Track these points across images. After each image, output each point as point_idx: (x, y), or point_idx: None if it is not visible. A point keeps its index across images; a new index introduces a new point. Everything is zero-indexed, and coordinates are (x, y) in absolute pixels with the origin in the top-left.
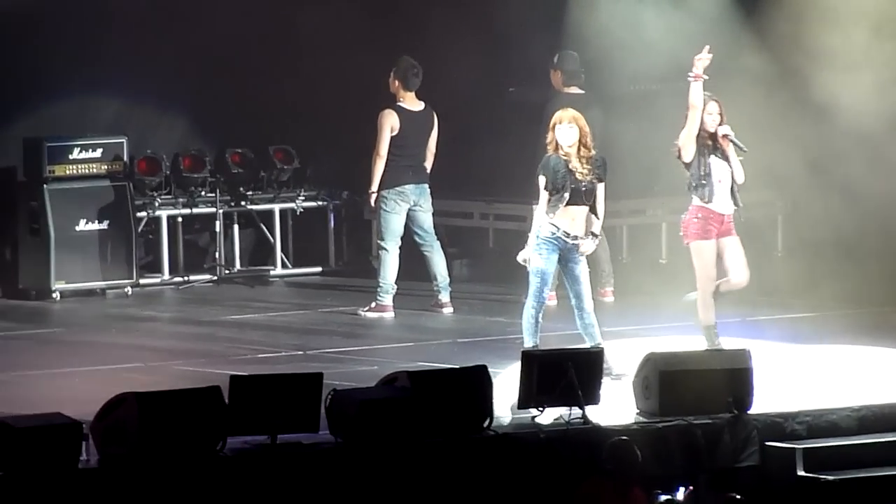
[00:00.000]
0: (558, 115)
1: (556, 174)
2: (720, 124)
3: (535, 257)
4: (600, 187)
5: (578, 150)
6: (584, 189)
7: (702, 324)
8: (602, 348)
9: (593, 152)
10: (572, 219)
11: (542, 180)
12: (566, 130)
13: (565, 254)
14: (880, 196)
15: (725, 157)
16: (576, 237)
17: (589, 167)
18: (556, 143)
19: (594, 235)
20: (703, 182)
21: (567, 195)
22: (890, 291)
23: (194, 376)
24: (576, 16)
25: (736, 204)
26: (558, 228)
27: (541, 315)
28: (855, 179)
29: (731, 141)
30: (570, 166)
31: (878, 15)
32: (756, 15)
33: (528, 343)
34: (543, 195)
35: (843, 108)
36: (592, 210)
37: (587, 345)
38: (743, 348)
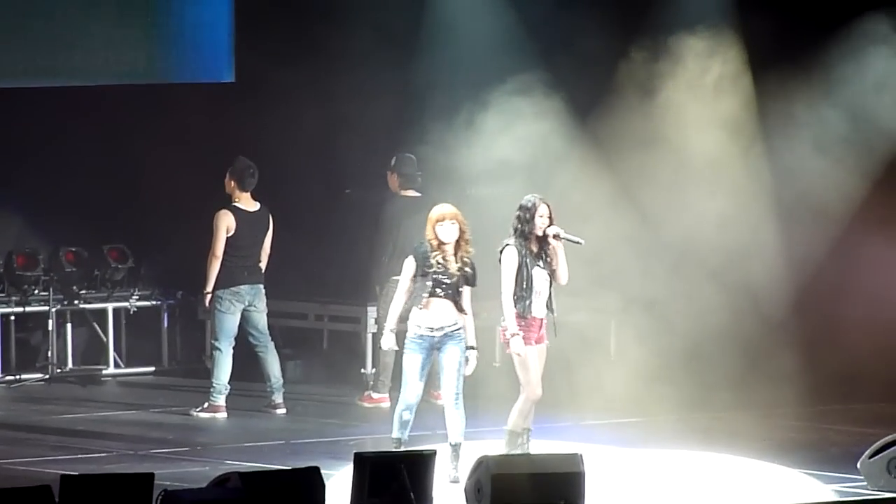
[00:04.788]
0: (440, 212)
1: (425, 259)
2: (549, 226)
3: (405, 354)
4: (467, 290)
5: (457, 246)
6: (446, 282)
7: (509, 427)
8: (434, 451)
9: (471, 250)
10: (434, 311)
11: (410, 263)
12: (448, 228)
13: (436, 345)
14: (715, 300)
15: (549, 263)
16: (441, 328)
17: (459, 265)
18: (437, 240)
19: (473, 348)
20: (525, 295)
21: (430, 283)
22: (722, 396)
23: (24, 475)
24: (415, 117)
25: (550, 309)
26: (420, 326)
27: (406, 411)
28: (690, 284)
29: (564, 238)
30: (442, 258)
31: (727, 119)
32: (593, 115)
33: (394, 436)
34: (405, 281)
35: (679, 212)
36: (460, 310)
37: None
38: (575, 452)
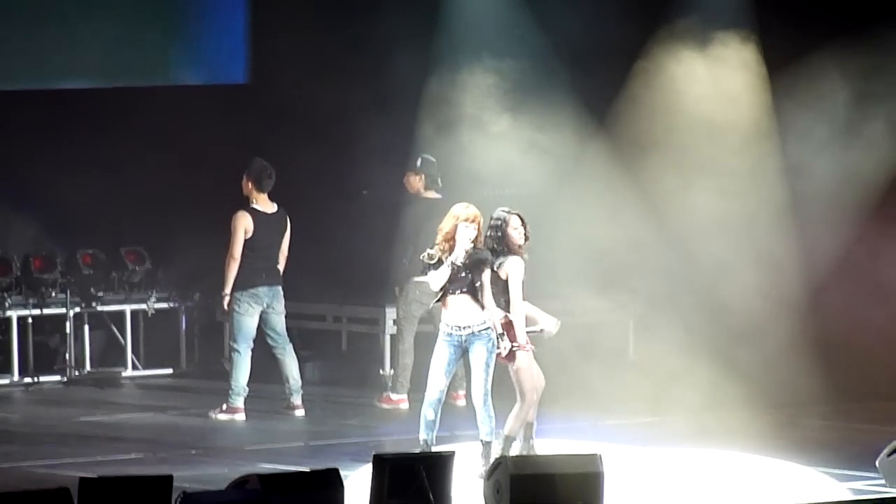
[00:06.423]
0: (471, 213)
1: (428, 265)
2: (525, 234)
3: (434, 350)
4: (485, 278)
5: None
6: (457, 279)
7: (506, 433)
8: (453, 452)
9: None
10: (455, 310)
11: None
12: (470, 229)
13: (464, 344)
14: (732, 299)
15: None
16: (468, 326)
17: (466, 260)
18: (451, 236)
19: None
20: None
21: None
22: (740, 395)
23: (43, 478)
24: (433, 118)
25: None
26: (448, 324)
27: (429, 409)
28: (707, 284)
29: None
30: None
31: (742, 118)
32: (608, 116)
33: (420, 437)
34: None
35: (695, 213)
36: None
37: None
38: (594, 452)
